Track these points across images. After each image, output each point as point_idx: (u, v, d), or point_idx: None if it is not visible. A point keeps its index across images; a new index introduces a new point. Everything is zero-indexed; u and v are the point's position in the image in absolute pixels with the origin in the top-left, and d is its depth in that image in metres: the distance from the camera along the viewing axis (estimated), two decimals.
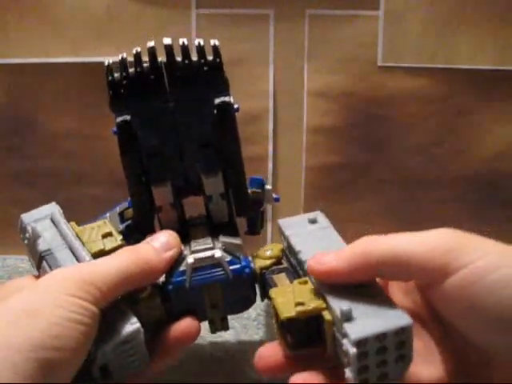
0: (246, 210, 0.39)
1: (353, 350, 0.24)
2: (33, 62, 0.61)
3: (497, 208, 0.64)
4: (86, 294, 0.27)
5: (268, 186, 0.42)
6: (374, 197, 0.65)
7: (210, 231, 0.37)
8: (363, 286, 0.27)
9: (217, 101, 0.34)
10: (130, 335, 0.29)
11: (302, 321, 0.28)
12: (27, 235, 0.34)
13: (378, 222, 0.64)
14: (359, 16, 0.60)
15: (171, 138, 0.35)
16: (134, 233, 0.38)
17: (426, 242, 0.26)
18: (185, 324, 0.32)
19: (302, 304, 0.27)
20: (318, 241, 0.32)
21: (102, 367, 0.29)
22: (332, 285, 0.28)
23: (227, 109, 0.34)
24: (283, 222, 0.35)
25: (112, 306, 0.29)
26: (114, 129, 0.35)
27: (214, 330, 0.35)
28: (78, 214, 0.39)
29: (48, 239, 0.33)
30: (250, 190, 0.40)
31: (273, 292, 0.30)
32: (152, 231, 0.38)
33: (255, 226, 0.42)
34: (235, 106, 0.35)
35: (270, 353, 0.30)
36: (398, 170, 0.63)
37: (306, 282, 0.29)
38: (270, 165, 0.63)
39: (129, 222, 0.39)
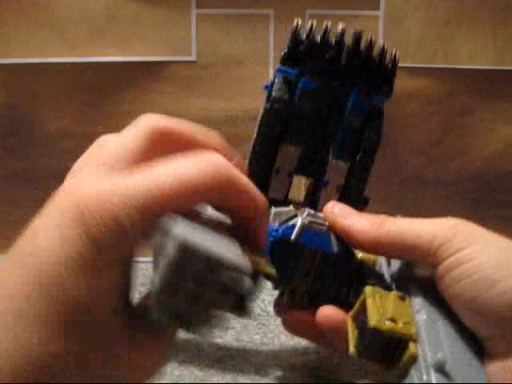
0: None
1: None
2: (32, 62, 0.61)
3: (496, 208, 0.64)
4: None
5: None
6: (374, 197, 0.64)
7: None
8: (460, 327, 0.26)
9: (374, 101, 0.35)
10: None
11: (385, 336, 0.26)
12: None
13: None
14: (359, 16, 0.60)
15: (322, 112, 0.36)
16: None
17: (430, 228, 0.26)
18: None
19: (394, 321, 0.25)
20: None
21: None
22: (430, 317, 0.26)
23: (379, 113, 0.36)
24: None
25: None
26: (267, 83, 0.37)
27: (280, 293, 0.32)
28: None
29: None
30: None
31: (368, 290, 0.27)
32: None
33: None
34: None
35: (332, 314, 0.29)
36: (398, 170, 0.63)
37: (403, 299, 0.27)
38: None
39: None
